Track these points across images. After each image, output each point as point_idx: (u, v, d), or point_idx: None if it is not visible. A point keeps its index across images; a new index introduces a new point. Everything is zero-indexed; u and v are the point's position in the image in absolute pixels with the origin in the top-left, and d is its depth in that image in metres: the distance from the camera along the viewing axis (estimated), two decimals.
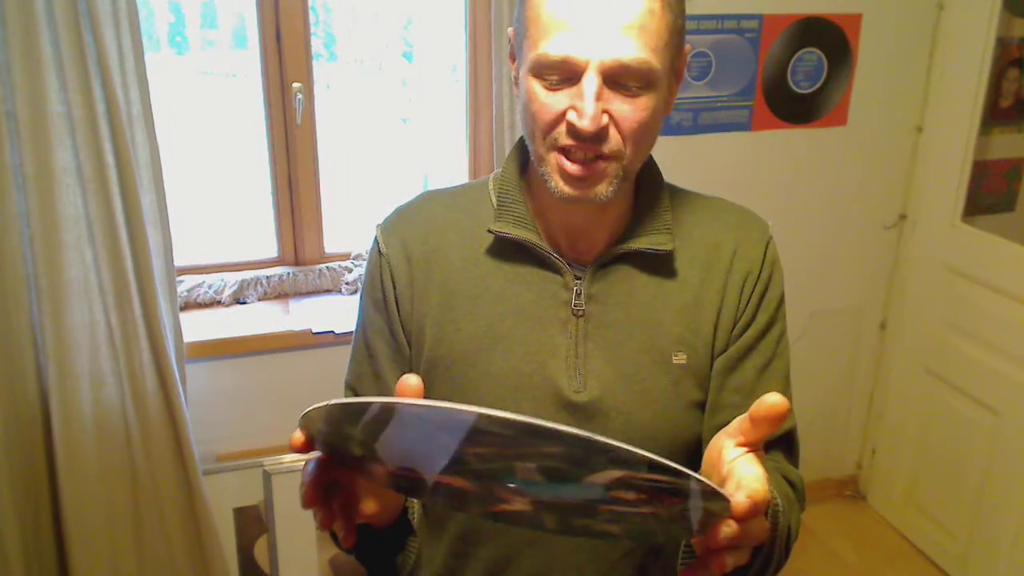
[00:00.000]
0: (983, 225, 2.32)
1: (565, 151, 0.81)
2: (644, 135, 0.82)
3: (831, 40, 2.24)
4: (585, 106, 0.77)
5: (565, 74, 0.78)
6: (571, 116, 0.78)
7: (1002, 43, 2.25)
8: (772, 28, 2.17)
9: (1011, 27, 2.29)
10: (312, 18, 1.92)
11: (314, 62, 1.95)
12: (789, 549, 0.85)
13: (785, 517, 0.81)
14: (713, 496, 0.55)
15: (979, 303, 2.25)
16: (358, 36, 2.29)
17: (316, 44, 1.99)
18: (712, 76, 2.15)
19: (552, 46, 0.77)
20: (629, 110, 0.79)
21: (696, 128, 2.18)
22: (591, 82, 0.77)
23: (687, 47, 0.86)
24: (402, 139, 2.48)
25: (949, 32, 2.28)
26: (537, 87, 0.80)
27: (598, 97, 0.77)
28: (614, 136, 0.79)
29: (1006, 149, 2.43)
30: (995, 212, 2.46)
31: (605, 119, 0.78)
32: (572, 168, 0.81)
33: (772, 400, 0.59)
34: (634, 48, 0.76)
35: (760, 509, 0.56)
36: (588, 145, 0.79)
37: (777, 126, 2.27)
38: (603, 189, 0.82)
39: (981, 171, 2.37)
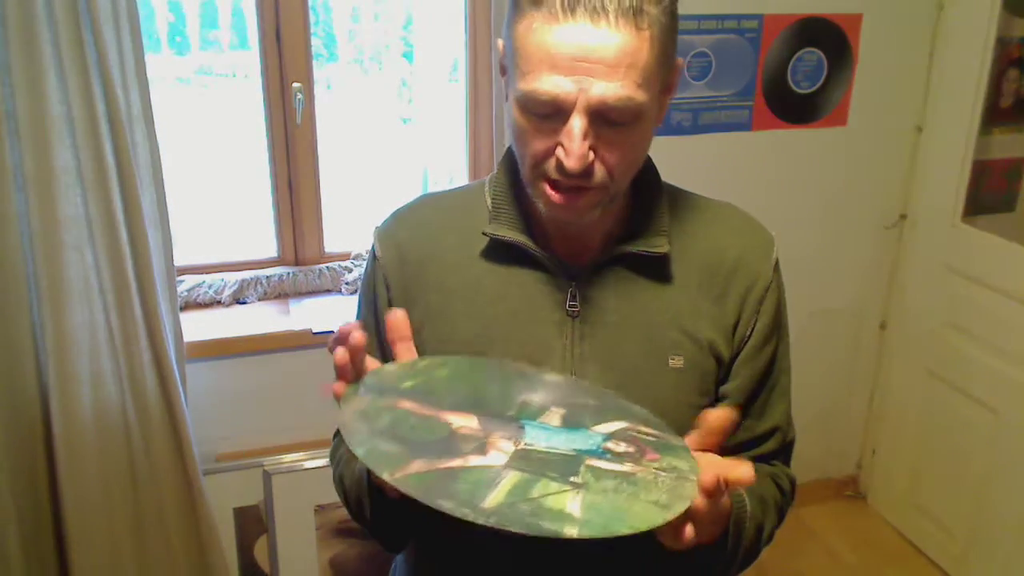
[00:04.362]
0: (983, 225, 2.32)
1: (553, 182, 0.82)
2: (631, 164, 0.84)
3: (831, 40, 2.24)
4: (572, 146, 0.77)
5: (552, 111, 0.78)
6: (559, 153, 0.79)
7: (1002, 43, 2.25)
8: (772, 28, 2.17)
9: (1011, 27, 2.29)
10: (312, 18, 1.92)
11: (314, 62, 1.95)
12: (759, 548, 0.91)
13: (754, 520, 0.87)
14: (686, 454, 0.72)
15: (979, 303, 2.25)
16: (358, 36, 2.29)
17: (316, 44, 1.99)
18: (712, 76, 2.15)
19: (539, 85, 0.77)
20: (616, 144, 0.80)
21: (696, 128, 2.18)
22: (578, 122, 0.77)
23: (679, 60, 0.86)
24: (402, 139, 2.49)
25: (949, 32, 2.28)
26: (525, 121, 0.81)
27: (584, 136, 0.77)
28: (600, 171, 0.80)
29: (1006, 149, 2.43)
30: (995, 212, 2.46)
31: (591, 155, 0.79)
32: (558, 199, 0.82)
33: (714, 415, 0.73)
34: (620, 87, 0.76)
35: (722, 489, 0.69)
36: (575, 179, 0.80)
37: (777, 126, 2.27)
38: (590, 213, 0.84)
39: (981, 171, 2.37)
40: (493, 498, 0.64)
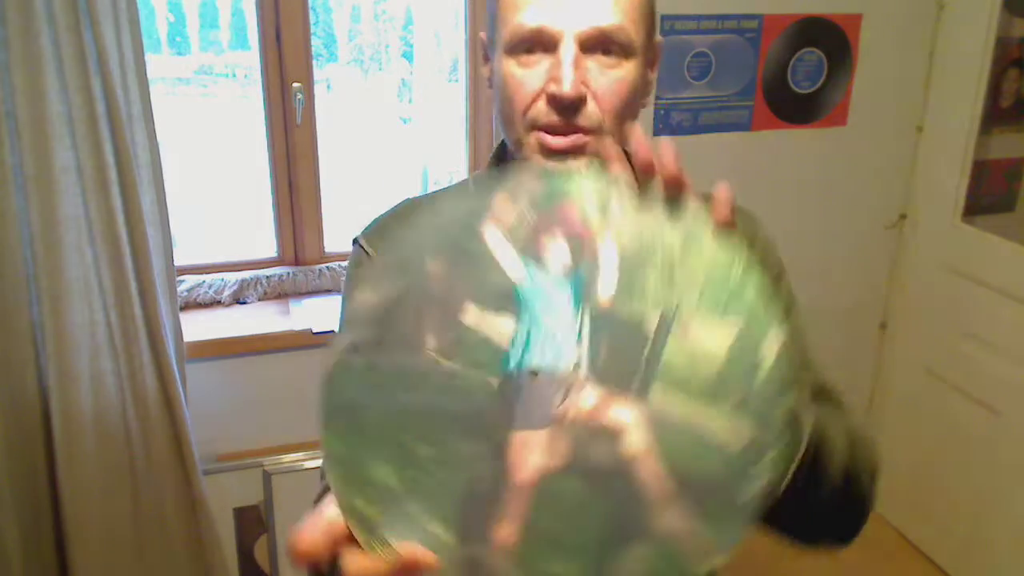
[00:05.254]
0: (983, 225, 2.32)
1: (545, 130, 0.78)
2: (623, 107, 0.80)
3: (831, 40, 2.24)
4: (563, 72, 0.75)
5: (541, 45, 0.77)
6: (550, 87, 0.76)
7: (1002, 43, 2.25)
8: (772, 28, 2.17)
9: (1011, 27, 2.29)
10: (312, 18, 1.92)
11: (314, 62, 1.95)
12: (831, 458, 0.72)
13: (821, 423, 0.71)
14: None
15: (979, 303, 2.25)
16: (358, 36, 2.29)
17: (316, 44, 1.99)
18: (712, 76, 2.15)
19: (526, 17, 0.76)
20: (608, 80, 0.77)
21: (696, 128, 2.18)
22: (568, 49, 0.75)
23: (659, 38, 0.85)
24: (402, 139, 2.49)
25: (949, 32, 2.28)
26: (513, 66, 0.79)
27: (576, 65, 0.75)
28: (593, 108, 0.77)
29: (1006, 149, 2.43)
30: (995, 212, 2.46)
31: (584, 89, 0.76)
32: (554, 141, 0.78)
33: (721, 209, 0.55)
34: (610, 13, 0.75)
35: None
36: (568, 118, 0.77)
37: (777, 126, 2.27)
38: (584, 165, 0.80)
39: (981, 171, 2.37)
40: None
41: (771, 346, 0.49)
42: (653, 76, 0.86)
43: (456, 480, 0.51)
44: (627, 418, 0.50)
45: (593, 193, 0.54)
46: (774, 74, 2.22)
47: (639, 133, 0.56)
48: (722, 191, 0.55)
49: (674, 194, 0.54)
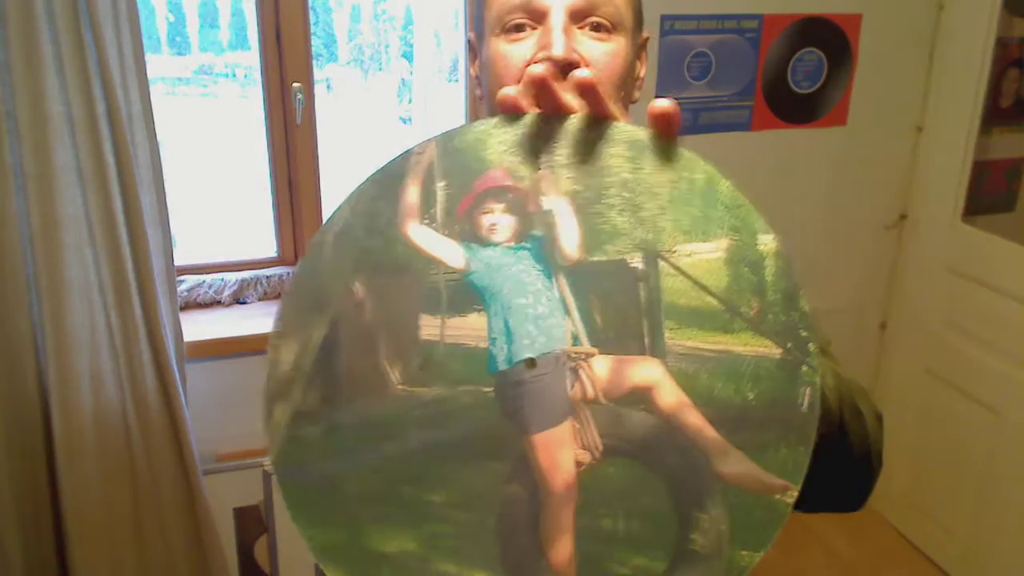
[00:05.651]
0: (983, 225, 2.32)
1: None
2: (617, 80, 0.79)
3: (831, 40, 2.24)
4: (554, 37, 0.74)
5: (530, 21, 0.76)
6: (539, 55, 0.75)
7: (1002, 43, 2.25)
8: (772, 28, 2.17)
9: (1011, 27, 2.29)
10: (312, 18, 1.92)
11: (314, 62, 1.95)
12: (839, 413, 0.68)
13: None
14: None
15: (979, 303, 2.25)
16: (358, 36, 2.29)
17: (316, 44, 1.99)
18: (712, 76, 2.15)
19: None
20: (599, 52, 0.76)
21: (696, 128, 2.18)
22: (558, 17, 0.75)
23: (647, 34, 0.85)
24: (402, 139, 2.49)
25: (949, 32, 2.28)
26: (502, 44, 0.78)
27: (566, 32, 0.75)
28: None
29: (1006, 149, 2.43)
30: (995, 212, 2.46)
31: (575, 55, 0.75)
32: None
33: (659, 103, 0.52)
34: None
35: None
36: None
37: (777, 126, 2.27)
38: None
39: (981, 171, 2.37)
40: None
41: (766, 244, 0.46)
42: (642, 70, 0.86)
43: (483, 517, 0.46)
44: (650, 374, 0.45)
45: (510, 145, 0.49)
46: (774, 74, 2.22)
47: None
48: (657, 104, 0.51)
49: (595, 113, 0.49)
